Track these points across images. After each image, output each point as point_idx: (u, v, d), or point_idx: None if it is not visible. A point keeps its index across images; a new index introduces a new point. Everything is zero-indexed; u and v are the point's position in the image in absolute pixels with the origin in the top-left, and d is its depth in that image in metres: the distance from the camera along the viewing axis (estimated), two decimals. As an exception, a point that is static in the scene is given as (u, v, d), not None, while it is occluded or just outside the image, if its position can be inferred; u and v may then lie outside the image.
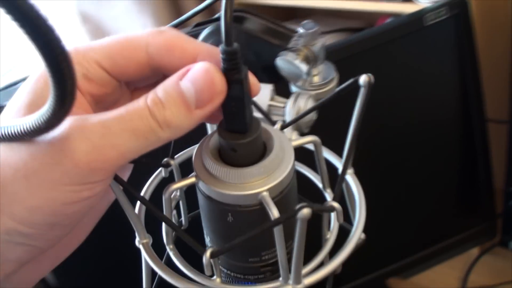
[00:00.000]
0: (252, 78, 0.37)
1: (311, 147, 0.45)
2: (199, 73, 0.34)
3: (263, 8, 1.46)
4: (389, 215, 1.02)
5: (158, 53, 0.37)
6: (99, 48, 0.37)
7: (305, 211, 0.33)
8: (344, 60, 0.91)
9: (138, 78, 0.39)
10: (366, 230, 0.42)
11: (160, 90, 0.34)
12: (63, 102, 0.29)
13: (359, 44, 0.93)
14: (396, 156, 1.00)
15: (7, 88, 0.81)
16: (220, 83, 0.35)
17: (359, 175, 0.46)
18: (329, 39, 1.42)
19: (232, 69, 0.35)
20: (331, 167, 0.47)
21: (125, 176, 0.43)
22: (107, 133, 0.32)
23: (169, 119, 0.34)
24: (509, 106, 1.07)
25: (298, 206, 0.33)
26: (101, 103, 0.39)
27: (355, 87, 0.42)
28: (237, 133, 0.37)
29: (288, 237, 0.40)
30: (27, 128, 0.31)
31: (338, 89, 0.43)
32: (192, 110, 0.34)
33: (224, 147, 0.38)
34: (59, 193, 0.32)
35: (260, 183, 0.37)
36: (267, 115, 0.49)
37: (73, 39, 1.39)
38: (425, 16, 0.94)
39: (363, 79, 0.41)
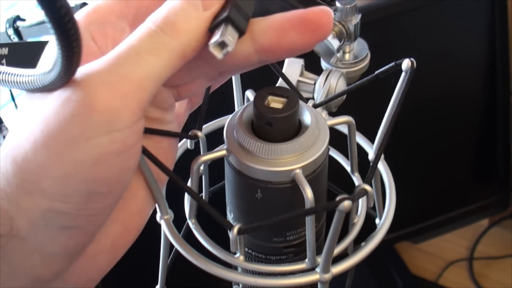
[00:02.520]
0: None
1: (342, 128, 0.44)
2: None
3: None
4: (403, 180, 1.01)
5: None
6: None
7: (346, 204, 0.32)
8: (374, 23, 0.89)
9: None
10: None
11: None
12: (71, 63, 0.27)
13: (395, 7, 0.91)
14: (416, 122, 0.99)
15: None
16: None
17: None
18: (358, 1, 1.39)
19: None
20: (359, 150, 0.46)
21: (171, 159, 0.38)
22: (113, 66, 0.29)
23: (173, 20, 0.30)
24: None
25: (338, 198, 0.32)
26: None
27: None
28: (273, 109, 0.36)
29: (316, 218, 0.39)
30: (32, 80, 0.29)
31: (377, 72, 0.42)
32: (199, 9, 0.30)
33: (259, 120, 0.37)
34: (84, 152, 0.28)
35: (294, 160, 0.36)
36: (298, 91, 0.48)
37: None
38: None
39: (406, 64, 0.40)
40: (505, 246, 1.18)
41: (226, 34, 0.29)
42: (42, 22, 0.73)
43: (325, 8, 0.31)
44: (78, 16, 0.33)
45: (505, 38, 1.00)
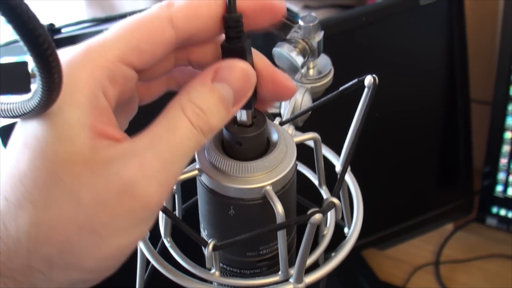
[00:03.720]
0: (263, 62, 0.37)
1: (309, 143, 0.46)
2: (235, 73, 0.34)
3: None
4: (368, 187, 1.03)
5: (186, 21, 0.34)
6: (118, 40, 0.33)
7: (317, 217, 0.34)
8: (338, 35, 0.91)
9: (162, 65, 0.37)
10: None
11: (197, 97, 0.33)
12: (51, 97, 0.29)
13: (355, 20, 0.93)
14: (380, 131, 1.01)
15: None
16: (253, 76, 0.35)
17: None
18: (319, 15, 1.41)
19: (235, 38, 0.35)
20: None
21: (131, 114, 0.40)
22: (166, 165, 0.32)
23: (213, 126, 0.33)
24: (494, 88, 1.08)
25: (309, 212, 0.34)
26: (120, 102, 0.35)
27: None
28: (242, 126, 0.38)
29: (288, 232, 0.40)
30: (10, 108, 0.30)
31: (341, 88, 0.44)
32: (230, 109, 0.34)
33: (229, 140, 0.38)
34: (129, 237, 0.31)
35: (264, 177, 0.38)
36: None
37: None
38: (422, -4, 0.94)
39: (368, 80, 0.42)
40: (470, 249, 1.20)
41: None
42: (10, 43, 0.73)
43: None
44: (92, 67, 0.32)
45: (463, 47, 1.02)
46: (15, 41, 0.72)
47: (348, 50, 0.94)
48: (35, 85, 0.28)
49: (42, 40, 0.26)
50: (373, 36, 0.96)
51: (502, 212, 1.14)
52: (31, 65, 0.67)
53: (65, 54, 0.32)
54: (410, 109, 1.04)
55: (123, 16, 0.56)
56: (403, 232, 1.13)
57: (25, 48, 0.26)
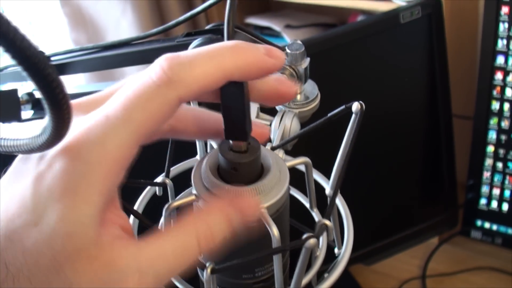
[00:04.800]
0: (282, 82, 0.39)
1: (300, 166, 0.47)
2: (250, 209, 0.37)
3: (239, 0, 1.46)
4: (353, 203, 1.04)
5: (194, 97, 0.36)
6: (130, 126, 0.33)
7: (312, 241, 0.35)
8: (321, 53, 0.93)
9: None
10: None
11: (211, 227, 0.35)
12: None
13: (337, 38, 0.95)
14: (362, 147, 1.02)
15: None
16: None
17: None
18: (301, 34, 1.44)
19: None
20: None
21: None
22: (162, 280, 0.33)
23: (216, 246, 0.35)
24: (475, 103, 1.10)
25: (304, 236, 0.35)
26: None
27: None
28: (238, 153, 0.39)
29: (283, 254, 0.42)
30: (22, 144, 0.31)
31: (329, 114, 0.45)
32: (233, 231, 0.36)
33: (225, 166, 0.39)
34: None
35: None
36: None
37: (52, 22, 1.37)
38: (402, 14, 0.96)
39: (355, 106, 0.43)
40: (456, 263, 1.22)
41: None
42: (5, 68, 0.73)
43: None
44: (108, 163, 0.32)
45: (444, 63, 1.04)
46: (12, 65, 0.72)
47: (331, 69, 0.96)
48: (44, 120, 0.30)
49: (52, 79, 0.27)
50: (355, 54, 0.98)
51: (487, 225, 1.16)
52: (21, 92, 0.68)
53: (80, 130, 0.32)
54: (393, 125, 1.06)
55: (108, 46, 0.57)
56: (389, 247, 1.15)
57: (37, 90, 0.27)
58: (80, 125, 0.32)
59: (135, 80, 0.33)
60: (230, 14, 0.36)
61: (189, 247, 0.34)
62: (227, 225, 0.35)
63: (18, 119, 0.64)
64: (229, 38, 0.35)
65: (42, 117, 0.35)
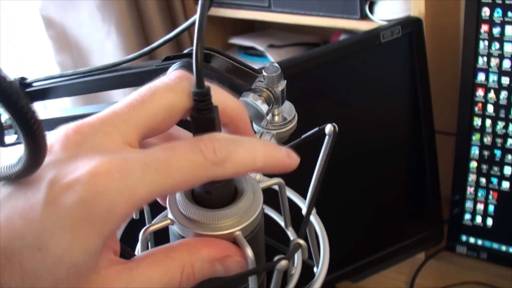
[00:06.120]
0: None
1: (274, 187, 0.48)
2: (237, 265, 0.38)
3: (222, 20, 1.46)
4: (338, 220, 1.05)
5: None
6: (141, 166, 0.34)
7: (283, 263, 0.36)
8: (304, 72, 0.94)
9: None
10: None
11: (194, 264, 0.36)
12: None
13: (320, 57, 0.97)
14: (347, 164, 1.03)
15: None
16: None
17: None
18: (284, 53, 1.45)
19: (204, 110, 0.37)
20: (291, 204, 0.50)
21: None
22: None
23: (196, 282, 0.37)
24: (457, 119, 1.11)
25: (276, 258, 0.36)
26: None
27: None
28: None
29: (258, 275, 0.42)
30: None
31: (303, 136, 0.46)
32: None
33: (199, 189, 0.40)
34: None
35: (233, 223, 0.39)
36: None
37: (37, 45, 1.38)
38: (382, 33, 0.97)
39: (328, 128, 0.44)
40: (442, 278, 1.22)
41: None
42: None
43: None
44: (123, 208, 0.33)
45: (426, 81, 1.06)
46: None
47: (314, 87, 0.97)
48: (20, 151, 0.30)
49: (26, 111, 0.27)
50: (337, 73, 0.99)
51: (472, 240, 1.17)
52: (4, 117, 0.68)
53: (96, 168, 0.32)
54: (377, 143, 1.07)
55: (91, 71, 0.57)
56: (375, 263, 1.15)
57: (12, 121, 0.28)
58: (111, 158, 0.33)
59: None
60: (198, 45, 0.36)
61: (174, 277, 0.35)
62: (210, 270, 0.37)
63: (2, 144, 0.64)
64: (198, 79, 0.36)
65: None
